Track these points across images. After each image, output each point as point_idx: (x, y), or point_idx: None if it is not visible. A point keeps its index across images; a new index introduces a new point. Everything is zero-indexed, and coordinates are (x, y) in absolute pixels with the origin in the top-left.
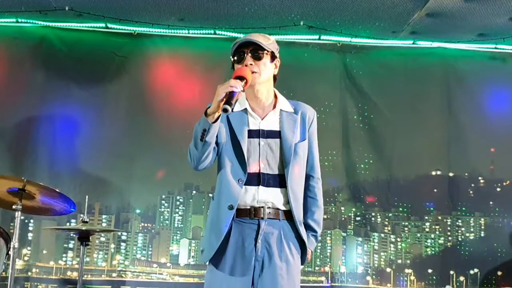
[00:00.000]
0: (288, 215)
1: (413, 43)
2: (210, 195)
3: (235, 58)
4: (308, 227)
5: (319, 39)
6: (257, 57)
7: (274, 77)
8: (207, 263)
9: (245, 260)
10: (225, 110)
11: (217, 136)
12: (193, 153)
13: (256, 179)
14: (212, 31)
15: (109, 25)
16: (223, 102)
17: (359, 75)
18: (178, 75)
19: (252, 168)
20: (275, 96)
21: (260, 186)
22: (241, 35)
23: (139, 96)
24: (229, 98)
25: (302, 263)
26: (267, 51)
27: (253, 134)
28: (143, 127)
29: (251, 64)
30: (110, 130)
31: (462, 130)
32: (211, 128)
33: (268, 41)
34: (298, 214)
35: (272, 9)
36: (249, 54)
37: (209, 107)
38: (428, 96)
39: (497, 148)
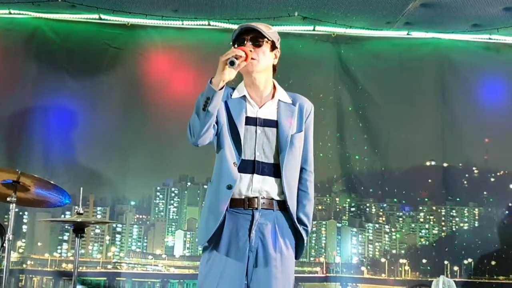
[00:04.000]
0: (282, 205)
1: (408, 34)
2: (205, 186)
3: (235, 45)
4: (298, 221)
5: (313, 30)
6: (257, 45)
7: (274, 67)
8: (202, 253)
9: (239, 251)
10: (232, 63)
11: (216, 116)
12: (194, 125)
13: (251, 167)
14: (206, 22)
15: (103, 16)
16: (229, 60)
17: (354, 66)
18: (172, 66)
19: (247, 155)
20: (274, 87)
21: (255, 174)
22: (235, 26)
23: (133, 87)
24: (235, 57)
25: (297, 257)
26: (267, 39)
27: (250, 121)
28: (137, 119)
29: (250, 51)
30: (105, 121)
31: (456, 120)
32: (215, 96)
33: (269, 30)
34: (292, 205)
35: (266, 0)
36: (249, 42)
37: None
38: (422, 86)
39: (491, 138)
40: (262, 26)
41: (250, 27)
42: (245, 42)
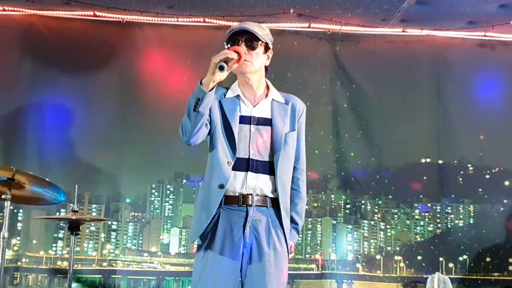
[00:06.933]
0: (276, 203)
1: (403, 31)
2: (200, 183)
3: (229, 45)
4: (290, 219)
5: (309, 27)
6: (251, 47)
7: (266, 68)
8: (196, 249)
9: (234, 247)
10: (221, 68)
11: (210, 115)
12: (186, 125)
13: (245, 165)
14: (202, 19)
15: (97, 13)
16: (218, 64)
17: (349, 63)
18: (167, 63)
19: (242, 153)
20: (267, 87)
21: (249, 172)
22: (230, 23)
23: (128, 84)
24: (225, 60)
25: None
26: (262, 41)
27: (244, 120)
28: (132, 116)
29: (244, 53)
30: (100, 118)
31: (451, 118)
32: (205, 97)
33: (264, 32)
34: (285, 203)
35: None
36: (243, 43)
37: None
38: (417, 83)
39: (486, 135)
40: (257, 28)
41: (245, 28)
42: (239, 43)
